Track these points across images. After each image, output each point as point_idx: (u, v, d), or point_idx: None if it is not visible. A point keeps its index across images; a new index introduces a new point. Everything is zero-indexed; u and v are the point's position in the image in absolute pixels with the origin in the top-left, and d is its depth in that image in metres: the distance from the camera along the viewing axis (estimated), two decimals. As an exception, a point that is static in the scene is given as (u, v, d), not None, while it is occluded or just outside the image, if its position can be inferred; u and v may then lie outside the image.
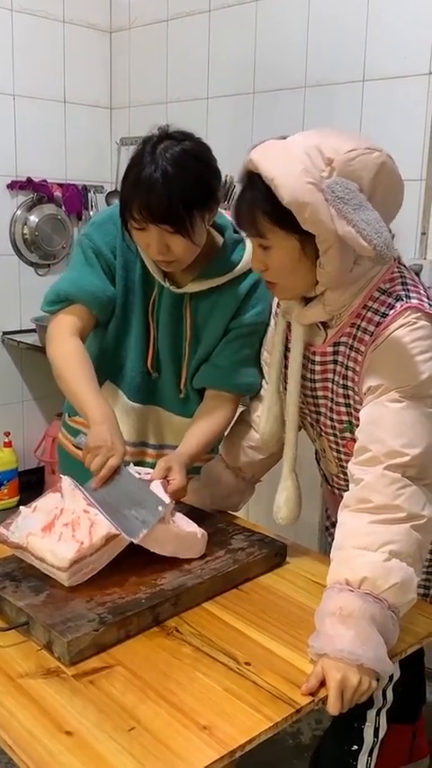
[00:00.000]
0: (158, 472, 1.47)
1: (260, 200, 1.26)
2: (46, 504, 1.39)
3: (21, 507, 1.41)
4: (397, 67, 2.68)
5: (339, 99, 2.88)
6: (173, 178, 1.40)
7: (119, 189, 4.07)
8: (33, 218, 3.63)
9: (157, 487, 1.43)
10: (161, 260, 1.52)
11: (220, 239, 1.62)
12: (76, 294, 1.60)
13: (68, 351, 1.58)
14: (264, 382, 1.66)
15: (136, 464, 1.64)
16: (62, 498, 1.39)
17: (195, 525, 1.44)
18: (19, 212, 3.63)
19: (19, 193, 3.62)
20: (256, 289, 1.63)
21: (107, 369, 1.71)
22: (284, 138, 1.31)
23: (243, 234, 1.63)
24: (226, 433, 1.74)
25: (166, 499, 1.40)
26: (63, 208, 3.74)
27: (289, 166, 1.22)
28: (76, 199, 3.77)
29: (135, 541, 1.34)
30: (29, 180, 3.59)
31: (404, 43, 2.64)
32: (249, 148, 1.31)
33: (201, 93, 3.42)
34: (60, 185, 3.73)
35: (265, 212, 1.27)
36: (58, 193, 3.72)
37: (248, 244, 1.62)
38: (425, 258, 2.67)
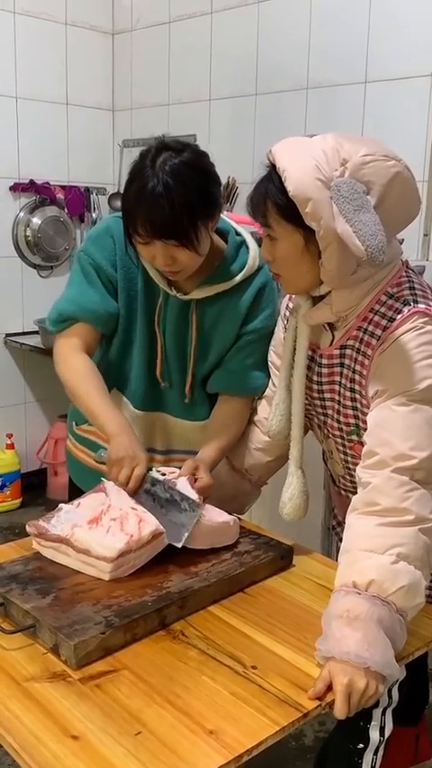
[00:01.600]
0: (186, 470, 1.51)
1: (273, 191, 1.29)
2: (90, 501, 1.43)
3: (62, 504, 1.44)
4: (399, 69, 2.68)
5: (342, 100, 2.88)
6: (174, 192, 1.39)
7: (121, 192, 4.09)
8: (36, 221, 3.63)
9: (183, 484, 1.47)
10: (168, 270, 1.52)
11: (223, 244, 1.62)
12: (78, 313, 1.61)
13: (77, 367, 1.60)
14: (271, 382, 1.66)
15: None
16: (107, 497, 1.42)
17: (225, 513, 1.48)
18: (21, 214, 3.63)
19: (21, 195, 3.62)
20: (264, 293, 1.64)
21: (113, 378, 1.71)
22: (312, 136, 1.33)
23: (245, 235, 1.63)
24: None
25: (195, 495, 1.44)
26: (65, 210, 3.75)
27: (303, 161, 1.25)
28: (78, 201, 3.78)
29: (179, 545, 1.39)
30: (31, 182, 3.60)
31: (407, 45, 2.64)
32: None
33: (203, 95, 3.43)
34: (63, 187, 3.73)
35: (275, 204, 1.29)
36: (60, 195, 3.72)
37: (252, 246, 1.63)
38: (428, 259, 2.67)
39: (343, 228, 1.22)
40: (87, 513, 1.39)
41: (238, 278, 1.60)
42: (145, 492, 1.46)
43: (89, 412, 1.57)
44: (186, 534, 1.40)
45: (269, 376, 1.68)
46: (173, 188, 1.39)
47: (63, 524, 1.38)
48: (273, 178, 1.29)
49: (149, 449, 1.76)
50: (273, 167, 1.30)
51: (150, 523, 1.36)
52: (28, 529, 1.41)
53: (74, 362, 1.60)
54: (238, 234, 1.64)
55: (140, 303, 1.64)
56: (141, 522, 1.36)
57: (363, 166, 1.24)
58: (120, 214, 1.58)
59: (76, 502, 1.45)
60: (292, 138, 1.32)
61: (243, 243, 1.63)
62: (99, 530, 1.35)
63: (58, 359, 1.63)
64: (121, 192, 4.18)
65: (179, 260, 1.48)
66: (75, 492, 1.85)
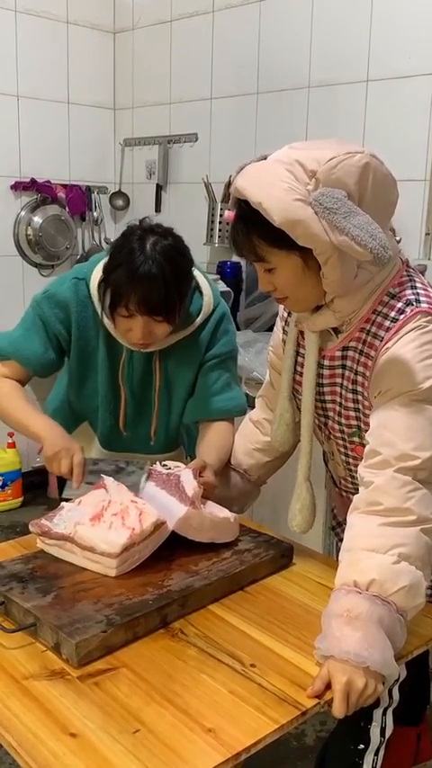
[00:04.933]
0: (194, 465, 1.54)
1: (253, 226, 1.27)
2: (91, 498, 1.44)
3: (63, 503, 1.46)
4: (401, 67, 2.67)
5: (343, 99, 2.88)
6: (169, 275, 1.50)
7: (122, 190, 4.09)
8: (37, 219, 3.63)
9: (187, 475, 1.49)
10: (140, 344, 1.58)
11: None
12: (15, 356, 1.68)
13: (2, 389, 1.66)
14: (268, 382, 1.65)
15: None
16: (107, 493, 1.43)
17: (227, 510, 1.50)
18: (23, 213, 3.63)
19: (23, 194, 3.62)
20: (221, 324, 1.72)
21: (78, 422, 1.78)
22: (265, 157, 1.30)
23: (198, 278, 1.67)
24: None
25: (195, 486, 1.46)
26: (67, 208, 3.74)
27: (274, 187, 1.22)
28: (79, 199, 3.78)
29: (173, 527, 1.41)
30: (32, 181, 3.59)
31: (408, 43, 2.64)
32: (236, 172, 1.31)
33: (204, 94, 3.42)
34: (64, 186, 3.73)
35: (261, 237, 1.27)
36: (61, 194, 3.72)
37: (205, 290, 1.69)
38: (429, 258, 2.67)
39: (340, 240, 1.20)
40: (89, 510, 1.40)
41: (198, 321, 1.67)
42: (91, 473, 1.54)
43: (18, 423, 1.63)
44: (141, 489, 1.48)
45: (242, 394, 1.75)
46: (167, 270, 1.49)
47: (66, 522, 1.39)
48: (248, 212, 1.26)
49: None
50: (244, 203, 1.26)
51: (151, 515, 1.36)
52: (31, 528, 1.42)
53: None
54: None
55: (101, 360, 1.70)
56: (142, 515, 1.36)
57: (332, 171, 1.21)
58: (78, 275, 1.66)
59: (76, 500, 1.45)
60: (250, 167, 1.29)
61: (197, 287, 1.67)
62: (101, 526, 1.35)
63: None
64: (122, 191, 4.18)
65: (155, 333, 1.57)
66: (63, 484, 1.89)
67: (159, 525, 1.37)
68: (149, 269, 1.48)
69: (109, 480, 1.47)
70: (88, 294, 1.64)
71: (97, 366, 1.71)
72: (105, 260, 1.58)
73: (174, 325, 1.57)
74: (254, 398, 1.74)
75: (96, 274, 1.62)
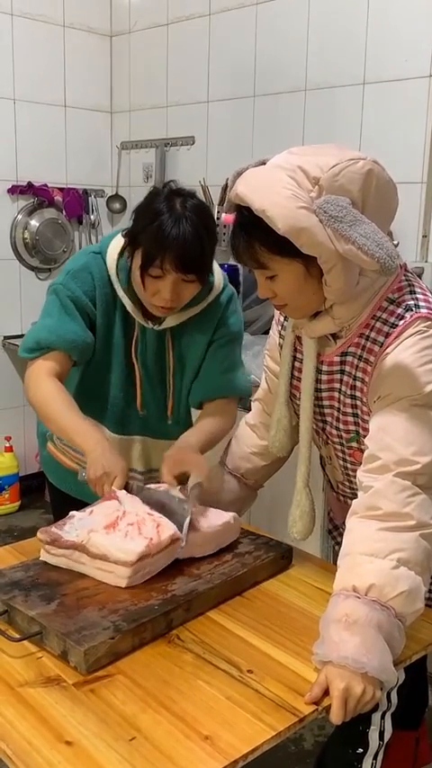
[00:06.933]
0: (167, 477, 1.51)
1: (255, 233, 1.25)
2: (104, 508, 1.41)
3: (73, 512, 1.42)
4: (397, 70, 2.67)
5: (340, 102, 2.88)
6: (203, 234, 1.49)
7: (119, 194, 4.08)
8: (34, 223, 3.63)
9: (170, 497, 1.47)
10: (165, 306, 1.55)
11: None
12: (57, 343, 1.59)
13: (48, 390, 1.58)
14: (265, 385, 1.65)
15: None
16: (120, 504, 1.41)
17: (224, 513, 1.49)
18: (20, 217, 3.63)
19: (20, 198, 3.62)
20: (230, 304, 1.71)
21: (88, 406, 1.71)
22: (264, 162, 1.29)
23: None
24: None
25: (189, 508, 1.44)
26: (64, 212, 3.74)
27: (277, 194, 1.20)
28: (76, 203, 3.77)
29: (182, 544, 1.39)
30: (29, 184, 3.59)
31: (405, 46, 2.63)
32: (233, 177, 1.29)
33: (201, 97, 3.42)
34: (61, 189, 3.73)
35: (263, 244, 1.26)
36: (58, 198, 3.72)
37: (216, 268, 1.67)
38: (426, 261, 2.66)
39: (346, 249, 1.19)
40: (102, 519, 1.37)
41: (207, 300, 1.66)
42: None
43: (63, 430, 1.56)
44: (183, 533, 1.40)
45: (247, 376, 1.73)
46: (200, 227, 1.48)
47: (78, 530, 1.36)
48: (249, 219, 1.24)
49: (129, 470, 1.75)
50: (246, 209, 1.25)
51: (168, 527, 1.36)
52: (40, 536, 1.39)
53: (44, 386, 1.59)
54: None
55: (118, 336, 1.67)
56: (159, 527, 1.35)
57: (336, 178, 1.20)
58: (94, 250, 1.64)
59: (88, 509, 1.42)
60: (250, 172, 1.27)
61: None
62: (117, 534, 1.34)
63: (29, 384, 1.62)
64: (119, 194, 4.18)
65: (182, 295, 1.55)
66: (57, 497, 1.88)
67: (175, 539, 1.36)
68: (184, 227, 1.46)
69: (121, 492, 1.44)
70: (106, 268, 1.62)
71: (114, 343, 1.67)
72: (127, 228, 1.56)
73: (203, 285, 1.56)
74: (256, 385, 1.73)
75: (113, 249, 1.60)
